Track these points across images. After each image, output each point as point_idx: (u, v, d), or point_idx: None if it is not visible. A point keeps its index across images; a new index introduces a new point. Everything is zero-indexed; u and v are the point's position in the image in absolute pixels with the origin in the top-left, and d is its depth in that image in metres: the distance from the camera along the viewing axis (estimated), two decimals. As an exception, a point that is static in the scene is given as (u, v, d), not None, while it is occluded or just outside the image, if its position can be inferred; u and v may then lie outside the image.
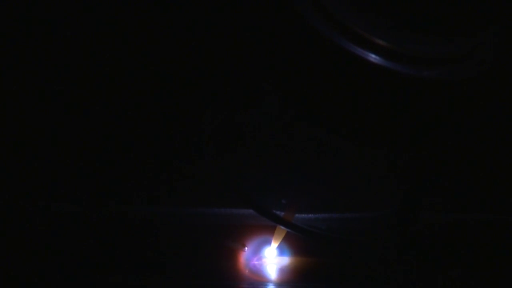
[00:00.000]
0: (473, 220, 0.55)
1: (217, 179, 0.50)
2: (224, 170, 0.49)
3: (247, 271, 0.52)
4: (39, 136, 0.55)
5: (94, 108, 0.54)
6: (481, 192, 0.55)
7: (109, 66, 0.53)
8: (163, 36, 0.51)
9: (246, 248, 0.53)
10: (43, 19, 0.51)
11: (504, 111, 0.51)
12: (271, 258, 0.53)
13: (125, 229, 0.53)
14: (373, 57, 0.39)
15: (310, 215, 0.52)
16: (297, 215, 0.50)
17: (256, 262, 0.53)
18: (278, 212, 0.49)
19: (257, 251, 0.53)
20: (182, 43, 0.51)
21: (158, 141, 0.55)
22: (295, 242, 0.53)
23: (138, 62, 0.53)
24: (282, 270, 0.52)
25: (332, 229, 0.51)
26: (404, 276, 0.51)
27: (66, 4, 0.51)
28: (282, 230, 0.51)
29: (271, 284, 0.51)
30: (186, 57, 0.52)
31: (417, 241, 0.53)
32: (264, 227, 0.53)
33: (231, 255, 0.52)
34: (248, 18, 0.49)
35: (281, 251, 0.53)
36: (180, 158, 0.54)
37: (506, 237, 0.54)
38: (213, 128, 0.50)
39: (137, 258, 0.52)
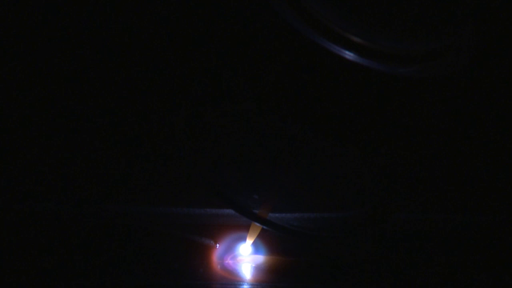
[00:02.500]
0: (452, 220, 0.55)
1: (191, 176, 0.49)
2: (197, 166, 0.48)
3: (221, 270, 0.51)
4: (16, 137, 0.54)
5: (67, 108, 0.54)
6: (458, 191, 0.55)
7: (84, 65, 0.52)
8: (135, 33, 0.51)
9: (217, 245, 0.52)
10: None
11: (480, 108, 0.51)
12: (246, 256, 0.52)
13: (98, 228, 0.52)
14: (348, 55, 0.39)
15: (284, 214, 0.52)
16: (271, 214, 0.50)
17: (230, 261, 0.52)
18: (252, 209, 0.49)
19: (232, 249, 0.52)
20: (153, 41, 0.51)
21: (131, 139, 0.54)
22: (270, 241, 0.52)
23: (112, 59, 0.52)
24: (256, 269, 0.52)
25: (306, 227, 0.51)
26: (380, 274, 0.51)
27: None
28: (257, 227, 0.51)
29: (245, 283, 0.51)
30: (158, 55, 0.51)
31: (393, 239, 0.53)
32: (238, 227, 0.53)
33: (205, 255, 0.52)
34: (224, 15, 0.48)
35: (255, 249, 0.52)
36: (153, 156, 0.54)
37: (487, 237, 0.55)
38: (187, 125, 0.49)
39: (109, 257, 0.51)
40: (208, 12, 0.48)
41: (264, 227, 0.48)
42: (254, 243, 0.52)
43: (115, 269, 0.50)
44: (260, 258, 0.53)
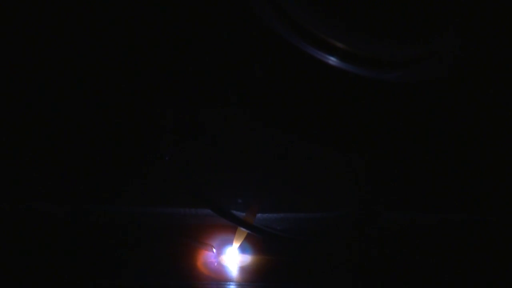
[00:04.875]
0: (436, 220, 0.56)
1: (178, 180, 0.49)
2: (183, 170, 0.48)
3: (208, 271, 0.52)
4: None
5: (51, 106, 0.53)
6: (443, 191, 0.56)
7: (69, 64, 0.52)
8: (122, 33, 0.50)
9: (214, 248, 0.52)
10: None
11: (463, 112, 0.52)
12: (233, 258, 0.52)
13: (83, 229, 0.52)
14: (332, 60, 0.39)
15: (270, 215, 0.52)
16: (258, 215, 0.50)
17: (217, 262, 0.52)
18: (239, 213, 0.49)
19: (219, 250, 0.53)
20: (141, 41, 0.51)
21: (117, 140, 0.54)
22: (256, 242, 0.53)
23: (98, 58, 0.52)
24: (243, 270, 0.52)
25: (292, 230, 0.51)
26: (364, 274, 0.52)
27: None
28: (243, 231, 0.51)
29: (232, 283, 0.51)
30: (146, 56, 0.51)
31: (377, 240, 0.53)
32: (225, 227, 0.53)
33: (193, 255, 0.52)
34: (209, 22, 0.48)
35: (242, 250, 0.53)
36: (140, 157, 0.54)
37: (468, 237, 0.55)
38: (173, 127, 0.49)
39: (96, 257, 0.51)
40: (194, 18, 0.48)
41: (251, 232, 0.48)
42: (241, 244, 0.53)
43: (102, 270, 0.50)
44: (247, 258, 0.53)
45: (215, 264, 0.52)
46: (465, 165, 0.54)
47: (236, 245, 0.52)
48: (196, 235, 0.53)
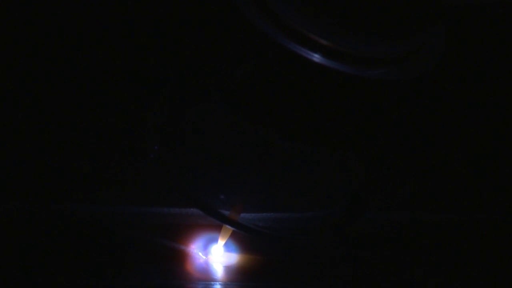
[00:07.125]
0: (425, 220, 0.56)
1: (161, 177, 0.49)
2: (167, 167, 0.48)
3: (192, 270, 0.51)
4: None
5: (39, 103, 0.53)
6: (431, 190, 0.56)
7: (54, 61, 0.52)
8: (106, 30, 0.50)
9: (194, 247, 0.52)
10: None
11: (447, 110, 0.52)
12: (218, 257, 0.52)
13: (70, 229, 0.52)
14: (316, 57, 0.39)
15: (256, 214, 0.52)
16: (243, 214, 0.49)
17: (202, 261, 0.52)
18: (224, 211, 0.48)
19: (203, 250, 0.52)
20: (124, 40, 0.50)
21: (102, 138, 0.54)
22: (242, 241, 0.53)
23: (82, 56, 0.52)
24: (228, 269, 0.52)
25: (278, 228, 0.51)
26: (351, 275, 0.52)
27: None
28: (228, 229, 0.51)
29: (217, 283, 0.51)
30: (130, 54, 0.51)
31: (365, 240, 0.53)
32: (210, 226, 0.53)
33: (176, 254, 0.52)
34: (190, 17, 0.48)
35: (228, 249, 0.52)
36: (124, 156, 0.53)
37: (455, 236, 0.55)
38: (157, 125, 0.49)
39: (82, 258, 0.51)
40: (175, 14, 0.48)
41: (236, 230, 0.48)
42: (226, 243, 0.52)
43: (87, 270, 0.50)
44: (232, 258, 0.53)
45: (200, 263, 0.52)
46: (458, 163, 0.54)
47: (221, 243, 0.52)
48: (179, 234, 0.53)
